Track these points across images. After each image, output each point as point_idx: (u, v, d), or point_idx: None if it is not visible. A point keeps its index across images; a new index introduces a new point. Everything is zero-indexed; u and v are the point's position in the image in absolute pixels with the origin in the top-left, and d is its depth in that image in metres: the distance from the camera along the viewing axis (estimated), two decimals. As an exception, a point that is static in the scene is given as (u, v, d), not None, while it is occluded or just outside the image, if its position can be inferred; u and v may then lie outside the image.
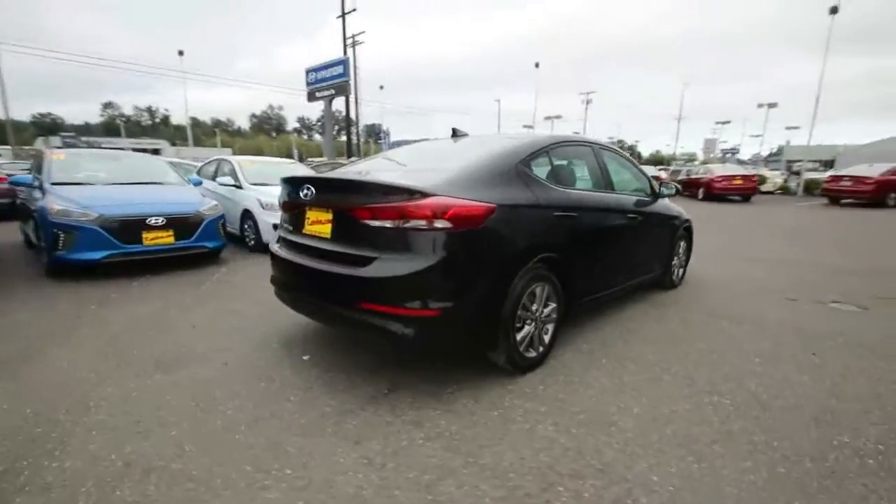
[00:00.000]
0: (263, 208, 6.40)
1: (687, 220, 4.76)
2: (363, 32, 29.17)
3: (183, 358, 2.88)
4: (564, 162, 3.12)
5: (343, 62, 24.84)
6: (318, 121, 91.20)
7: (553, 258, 2.69)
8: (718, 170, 18.05)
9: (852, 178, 14.94)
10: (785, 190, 21.54)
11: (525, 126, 51.89)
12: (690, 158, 70.39)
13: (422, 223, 2.17)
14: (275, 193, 6.67)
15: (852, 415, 2.29)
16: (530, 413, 2.28)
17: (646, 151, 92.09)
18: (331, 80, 25.09)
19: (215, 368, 2.74)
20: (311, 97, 26.81)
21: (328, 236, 2.50)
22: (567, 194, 2.95)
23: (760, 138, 58.00)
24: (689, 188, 19.53)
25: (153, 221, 4.92)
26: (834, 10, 18.52)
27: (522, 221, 2.54)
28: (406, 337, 2.23)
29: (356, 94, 29.43)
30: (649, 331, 3.49)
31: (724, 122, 52.43)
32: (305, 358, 2.90)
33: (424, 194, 2.19)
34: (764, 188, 20.59)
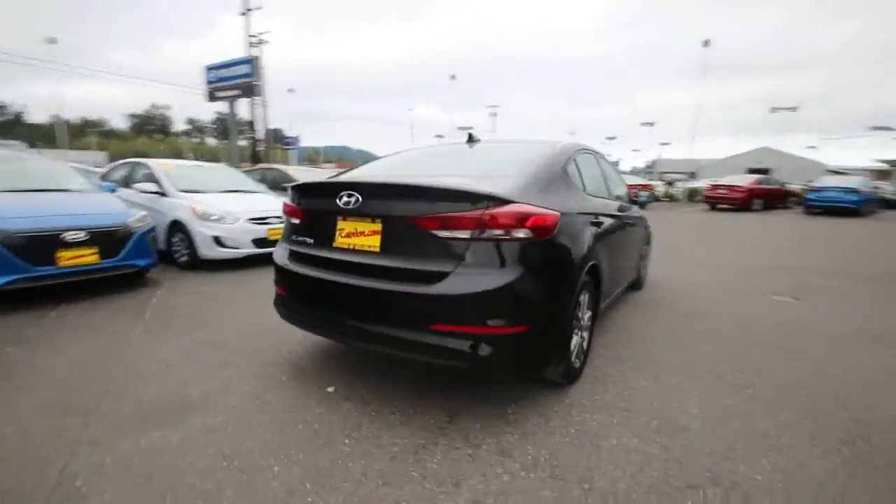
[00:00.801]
0: (201, 219, 5.58)
1: (649, 224, 5.11)
2: (268, 32, 27.35)
3: (177, 406, 2.32)
4: (586, 169, 3.13)
5: (249, 62, 23.11)
6: (213, 123, 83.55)
7: (595, 266, 2.67)
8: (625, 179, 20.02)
9: (727, 186, 17.51)
10: (671, 197, 24.57)
11: (437, 136, 52.79)
12: None
13: (502, 233, 1.99)
14: (213, 202, 5.94)
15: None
16: (605, 426, 2.21)
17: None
18: (235, 80, 23.19)
19: (226, 415, 2.25)
20: (212, 97, 24.54)
21: (376, 250, 2.19)
22: (594, 201, 2.96)
23: (638, 153, 65.73)
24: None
25: (71, 237, 3.99)
26: (706, 44, 21.74)
27: (577, 229, 2.47)
28: (485, 358, 2.02)
29: (263, 97, 27.42)
30: (648, 332, 3.64)
31: (611, 138, 58.52)
32: (330, 390, 2.52)
33: (504, 201, 2.01)
34: (653, 195, 23.32)
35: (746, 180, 17.41)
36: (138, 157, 8.26)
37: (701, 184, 23.69)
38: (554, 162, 2.62)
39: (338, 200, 2.25)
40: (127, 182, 6.53)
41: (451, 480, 1.78)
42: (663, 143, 55.24)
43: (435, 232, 2.03)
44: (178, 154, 49.73)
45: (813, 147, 54.58)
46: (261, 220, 5.96)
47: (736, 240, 9.71)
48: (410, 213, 2.11)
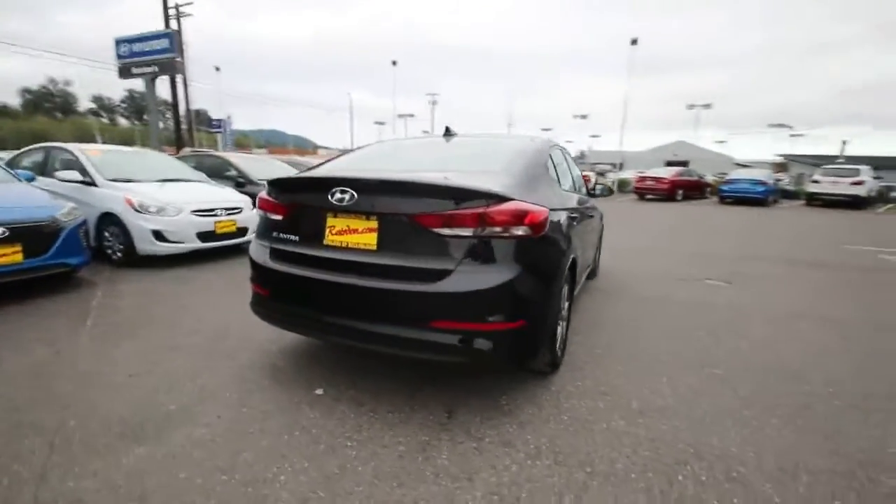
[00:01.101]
0: (138, 211, 5.10)
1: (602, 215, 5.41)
2: (190, 3, 25.07)
3: (155, 419, 2.14)
4: (559, 164, 3.24)
5: (169, 35, 21.16)
6: (123, 101, 75.63)
7: (574, 258, 2.79)
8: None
9: (654, 178, 18.86)
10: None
11: (377, 122, 51.68)
12: None
13: (501, 230, 2.03)
14: (151, 192, 5.42)
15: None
16: (594, 411, 2.35)
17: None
18: (152, 56, 21.15)
19: (211, 426, 2.11)
20: (126, 73, 22.22)
21: (373, 248, 2.14)
22: (568, 195, 3.08)
23: (572, 144, 68.70)
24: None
25: (-12, 234, 3.49)
26: (634, 42, 23.07)
27: (561, 224, 2.56)
28: (486, 353, 2.06)
29: (185, 75, 25.18)
30: (609, 317, 3.88)
31: (546, 129, 60.61)
32: (319, 392, 2.45)
33: (503, 198, 2.04)
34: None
35: (670, 172, 18.87)
36: (38, 139, 7.32)
37: (629, 175, 25.29)
38: (536, 158, 2.70)
39: (329, 197, 2.17)
40: (43, 170, 5.79)
41: (463, 475, 1.82)
42: (593, 136, 58.19)
43: (437, 230, 2.03)
44: (88, 137, 44.46)
45: (723, 141, 60.31)
46: (206, 213, 5.56)
47: (666, 228, 10.54)
48: (410, 210, 2.08)
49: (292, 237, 2.38)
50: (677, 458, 1.98)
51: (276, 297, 2.44)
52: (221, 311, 3.70)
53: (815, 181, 17.22)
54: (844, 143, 33.70)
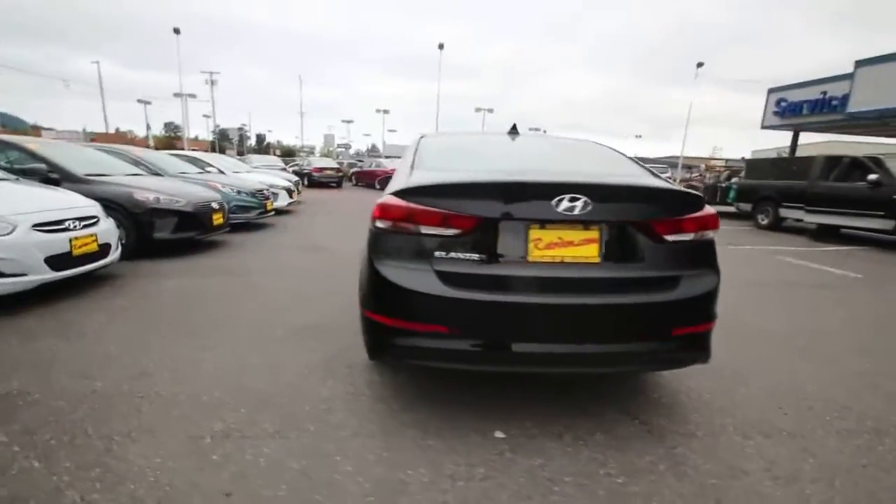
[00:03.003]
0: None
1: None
2: None
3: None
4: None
5: None
6: None
7: None
8: (389, 164, 21.21)
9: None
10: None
11: (141, 101, 41.80)
12: (310, 151, 77.14)
13: (710, 233, 2.09)
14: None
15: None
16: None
17: (275, 141, 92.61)
18: None
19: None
20: None
21: (596, 260, 1.90)
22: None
23: (369, 137, 70.01)
24: (364, 179, 22.19)
25: None
26: (441, 47, 24.87)
27: None
28: (707, 353, 2.11)
29: None
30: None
31: (347, 121, 60.19)
32: (500, 435, 2.04)
33: (703, 202, 2.09)
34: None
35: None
36: None
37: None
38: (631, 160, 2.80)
39: (554, 205, 1.82)
40: None
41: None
42: (390, 130, 60.57)
43: (668, 237, 1.96)
44: None
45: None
46: (55, 227, 3.72)
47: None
48: (637, 217, 1.94)
49: (473, 256, 1.90)
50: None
51: (465, 333, 1.89)
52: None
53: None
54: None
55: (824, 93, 15.08)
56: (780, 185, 10.60)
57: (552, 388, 2.48)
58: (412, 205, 1.92)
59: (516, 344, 1.92)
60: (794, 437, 2.15)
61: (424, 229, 1.91)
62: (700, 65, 31.32)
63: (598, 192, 1.88)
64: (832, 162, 9.62)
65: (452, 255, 1.91)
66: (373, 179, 20.99)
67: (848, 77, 13.73)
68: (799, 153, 17.61)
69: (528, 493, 1.70)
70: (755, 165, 12.42)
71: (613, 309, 1.91)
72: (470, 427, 2.11)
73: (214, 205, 6.27)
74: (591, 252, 1.92)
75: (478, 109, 42.03)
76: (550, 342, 1.93)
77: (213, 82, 47.28)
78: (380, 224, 2.02)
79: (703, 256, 2.09)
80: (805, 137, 18.85)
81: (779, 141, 25.60)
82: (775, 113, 17.31)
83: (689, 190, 2.11)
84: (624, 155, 2.78)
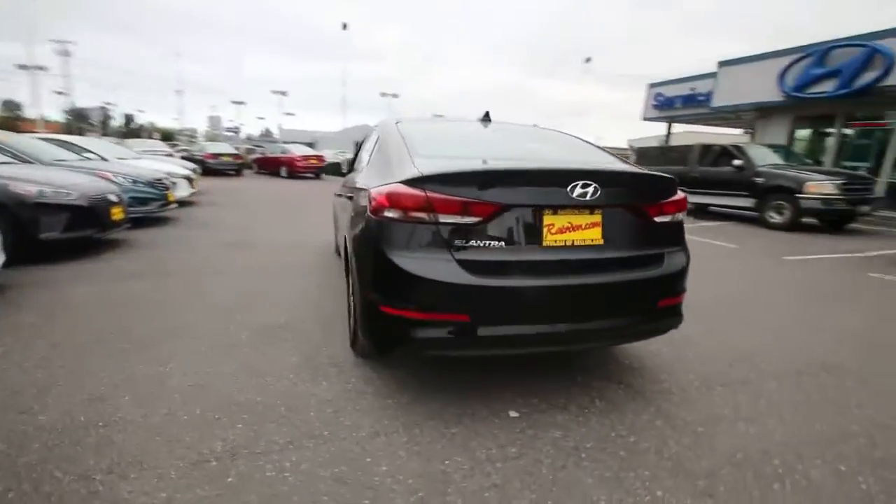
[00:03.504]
0: None
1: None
2: None
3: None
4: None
5: None
6: None
7: None
8: (297, 150, 19.80)
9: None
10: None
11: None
12: (192, 135, 69.69)
13: (682, 214, 2.35)
14: None
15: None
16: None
17: (147, 123, 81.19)
18: None
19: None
20: None
21: (599, 242, 2.05)
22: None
23: (263, 121, 64.92)
24: (269, 166, 20.55)
25: None
26: (344, 27, 23.77)
27: None
28: (682, 318, 2.38)
29: None
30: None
31: (239, 103, 54.87)
32: (514, 414, 2.12)
33: (677, 188, 2.35)
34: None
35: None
36: None
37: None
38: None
39: (568, 191, 1.92)
40: None
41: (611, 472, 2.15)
42: (287, 114, 56.84)
43: (657, 218, 2.17)
44: None
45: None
46: None
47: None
48: (632, 201, 2.12)
49: (494, 243, 1.92)
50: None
51: (486, 319, 1.91)
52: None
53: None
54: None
55: (693, 88, 17.40)
56: (665, 170, 12.05)
57: (538, 366, 2.62)
58: (430, 193, 1.88)
59: (533, 326, 2.01)
60: (744, 384, 2.55)
61: (444, 217, 1.89)
62: (588, 60, 34.07)
63: (604, 178, 2.02)
64: (706, 150, 11.20)
65: (472, 242, 1.92)
66: (278, 167, 19.47)
67: (712, 76, 15.99)
68: (672, 142, 20.18)
69: (562, 463, 1.81)
70: (645, 153, 13.96)
71: (618, 286, 2.08)
72: (485, 411, 2.16)
73: (112, 197, 5.40)
74: (595, 235, 2.06)
75: (383, 94, 41.27)
76: (565, 322, 2.05)
77: (66, 53, 40.07)
78: (389, 214, 1.94)
79: (678, 235, 2.36)
80: (674, 128, 21.56)
81: (654, 130, 29.05)
82: (654, 106, 19.56)
83: (668, 175, 2.35)
84: (592, 143, 2.99)
